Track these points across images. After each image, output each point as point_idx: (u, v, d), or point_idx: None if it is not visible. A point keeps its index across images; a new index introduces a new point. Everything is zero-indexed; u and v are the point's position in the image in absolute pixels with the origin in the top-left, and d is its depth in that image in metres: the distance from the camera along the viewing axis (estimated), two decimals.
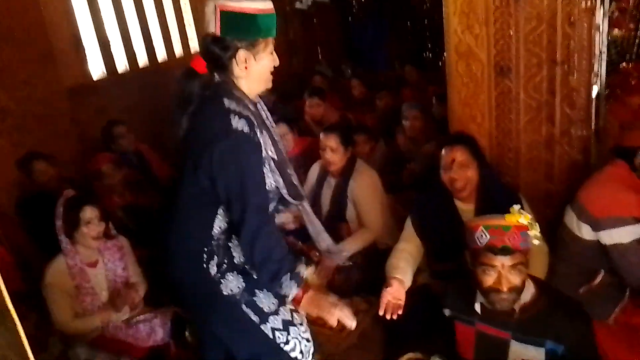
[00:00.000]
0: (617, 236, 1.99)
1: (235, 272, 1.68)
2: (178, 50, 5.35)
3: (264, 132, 1.64)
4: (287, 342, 1.73)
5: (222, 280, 1.65)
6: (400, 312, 1.88)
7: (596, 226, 2.04)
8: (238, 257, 1.68)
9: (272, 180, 1.64)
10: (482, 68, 2.48)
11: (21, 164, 3.23)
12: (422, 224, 2.34)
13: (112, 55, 4.59)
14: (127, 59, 4.74)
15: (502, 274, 1.64)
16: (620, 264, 2.01)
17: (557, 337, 1.68)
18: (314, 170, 3.06)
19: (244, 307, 1.67)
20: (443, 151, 2.28)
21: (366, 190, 2.80)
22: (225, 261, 1.66)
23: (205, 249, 1.62)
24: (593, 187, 2.13)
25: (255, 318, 1.68)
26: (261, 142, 1.58)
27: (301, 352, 1.77)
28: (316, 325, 2.56)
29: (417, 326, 2.14)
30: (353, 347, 2.48)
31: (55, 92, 3.80)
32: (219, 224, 1.63)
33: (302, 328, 1.80)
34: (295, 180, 1.76)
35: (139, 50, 4.92)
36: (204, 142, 1.53)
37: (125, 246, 2.55)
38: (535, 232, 1.68)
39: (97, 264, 2.44)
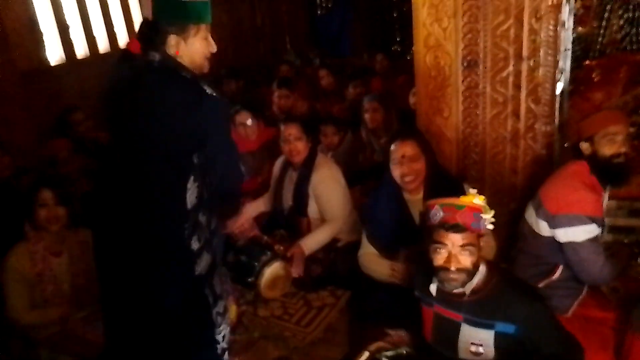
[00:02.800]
0: (572, 234, 2.02)
1: (207, 251, 1.72)
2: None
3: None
4: (220, 327, 1.82)
5: (197, 260, 1.69)
6: None
7: (552, 223, 2.07)
8: (207, 233, 1.72)
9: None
10: (450, 61, 2.48)
11: None
12: (372, 224, 2.42)
13: (70, 40, 4.40)
14: (87, 43, 4.55)
15: (452, 253, 1.69)
16: (574, 261, 2.05)
17: (506, 316, 1.71)
18: (278, 165, 3.01)
19: (206, 290, 1.74)
20: (393, 146, 2.32)
21: (327, 183, 2.76)
22: (203, 236, 1.70)
23: (185, 225, 1.65)
24: (552, 184, 2.16)
25: (211, 300, 1.75)
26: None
27: (224, 337, 1.87)
28: (281, 320, 2.57)
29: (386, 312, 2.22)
30: (319, 341, 2.46)
31: (6, 76, 3.61)
32: (191, 198, 1.65)
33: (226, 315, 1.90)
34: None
35: (99, 35, 4.74)
36: (178, 110, 1.59)
37: (89, 239, 2.45)
38: (488, 215, 1.73)
39: (61, 254, 2.37)
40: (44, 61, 4.07)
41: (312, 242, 2.70)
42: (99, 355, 2.14)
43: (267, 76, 5.08)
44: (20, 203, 2.36)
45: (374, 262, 2.41)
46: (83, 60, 4.46)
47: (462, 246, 1.68)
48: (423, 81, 2.59)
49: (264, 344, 2.41)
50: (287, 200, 2.87)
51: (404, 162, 2.26)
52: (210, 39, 1.68)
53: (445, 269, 1.70)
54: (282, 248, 2.57)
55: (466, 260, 1.69)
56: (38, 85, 3.86)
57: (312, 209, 2.80)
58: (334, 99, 4.64)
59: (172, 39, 1.62)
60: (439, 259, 1.71)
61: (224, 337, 1.86)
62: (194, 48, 1.64)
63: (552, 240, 2.10)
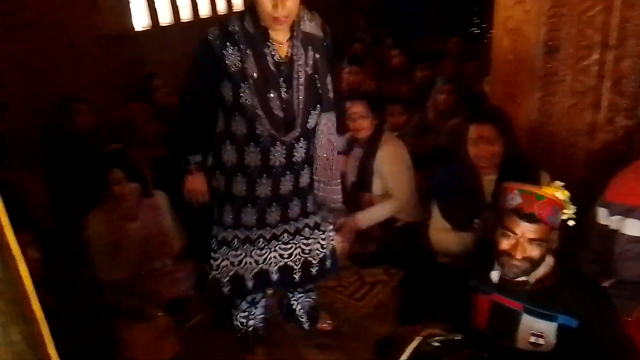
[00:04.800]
0: (626, 226, 1.93)
1: (220, 172, 1.92)
2: (221, 6, 5.32)
3: (249, 51, 1.76)
4: (216, 254, 2.00)
5: (213, 177, 1.95)
6: None
7: (609, 210, 1.98)
8: (226, 160, 1.89)
9: (247, 97, 1.77)
10: (529, 46, 2.39)
11: (64, 105, 3.27)
12: (446, 199, 2.38)
13: (155, 7, 4.58)
14: (172, 11, 4.73)
15: (519, 242, 1.64)
16: (618, 254, 1.96)
17: (570, 310, 1.66)
18: (342, 139, 3.03)
19: (215, 209, 1.97)
20: (471, 127, 2.27)
21: (393, 160, 2.76)
22: (215, 159, 1.93)
23: (211, 143, 1.92)
24: (620, 173, 2.06)
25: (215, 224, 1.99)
26: (229, 54, 1.74)
27: (217, 267, 2.01)
28: (334, 291, 2.63)
29: (430, 301, 2.18)
30: (369, 316, 2.51)
31: (94, 38, 3.82)
32: (220, 124, 1.87)
33: (234, 253, 2.00)
34: (276, 108, 1.80)
35: (182, 3, 4.91)
36: None
37: (163, 203, 2.60)
38: (569, 211, 1.66)
39: (136, 219, 2.50)
40: (130, 26, 4.26)
41: (367, 216, 2.72)
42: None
43: (338, 54, 5.09)
44: (94, 160, 2.50)
45: (447, 237, 2.38)
46: (166, 28, 4.63)
47: (532, 239, 1.63)
48: (498, 65, 2.52)
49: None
50: (351, 176, 2.90)
51: (479, 144, 2.22)
52: (274, 2, 1.66)
53: (509, 254, 1.66)
54: (339, 222, 2.61)
55: (533, 250, 1.64)
56: (122, 49, 4.06)
57: (376, 186, 2.82)
58: (403, 79, 4.59)
59: None
60: (505, 244, 1.67)
61: (218, 266, 2.01)
62: (258, 2, 1.69)
63: (606, 230, 2.01)
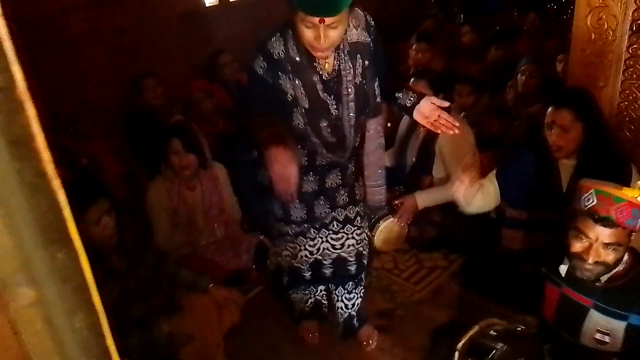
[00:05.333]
0: None
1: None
2: None
3: (298, 82, 1.70)
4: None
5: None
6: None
7: None
8: None
9: (299, 122, 1.76)
10: (616, 24, 2.20)
11: (134, 80, 3.42)
12: (510, 170, 2.27)
13: None
14: None
15: (592, 246, 1.52)
16: None
17: None
18: (405, 121, 2.97)
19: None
20: (549, 109, 2.13)
21: (456, 143, 2.65)
22: None
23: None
24: None
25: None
26: (284, 84, 1.69)
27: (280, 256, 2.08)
28: (391, 274, 2.62)
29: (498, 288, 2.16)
30: (426, 301, 2.48)
31: (167, 16, 3.94)
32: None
33: (291, 245, 2.07)
34: (327, 134, 1.80)
35: None
36: None
37: (221, 175, 2.67)
38: None
39: (195, 188, 2.58)
40: (200, 3, 4.35)
41: (427, 198, 2.66)
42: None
43: (408, 30, 4.94)
44: (159, 133, 2.57)
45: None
46: (234, 4, 4.68)
47: (607, 244, 1.51)
48: (580, 45, 2.34)
49: (371, 293, 2.49)
50: (411, 157, 2.84)
51: (554, 129, 2.08)
52: (316, 34, 1.56)
53: (581, 258, 1.55)
54: (399, 204, 2.58)
55: (608, 255, 1.53)
56: (193, 26, 4.16)
57: (437, 169, 2.75)
58: (474, 57, 4.40)
59: (291, 9, 1.57)
60: (577, 246, 1.55)
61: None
62: (300, 29, 1.58)
63: None
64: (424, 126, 2.74)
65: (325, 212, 1.98)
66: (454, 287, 2.53)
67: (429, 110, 1.76)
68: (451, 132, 1.77)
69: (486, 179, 2.30)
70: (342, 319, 2.27)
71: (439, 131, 1.79)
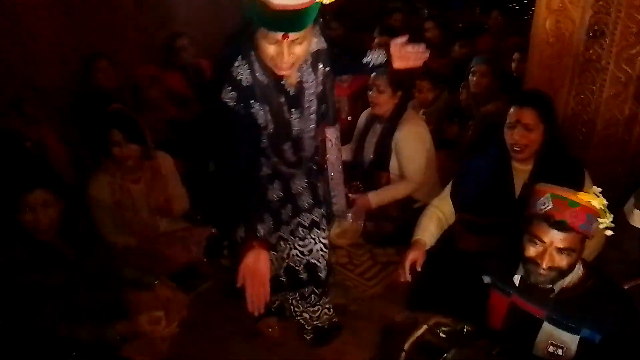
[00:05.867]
0: None
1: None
2: None
3: (266, 107, 1.66)
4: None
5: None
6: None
7: None
8: None
9: (265, 144, 1.77)
10: (573, 28, 2.25)
11: (85, 61, 3.27)
12: (466, 177, 2.24)
13: None
14: None
15: (546, 251, 1.53)
16: None
17: (595, 324, 1.57)
18: (363, 116, 2.95)
19: None
20: (511, 109, 2.10)
21: (411, 140, 2.66)
22: None
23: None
24: None
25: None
26: (258, 110, 1.65)
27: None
28: (345, 269, 2.61)
29: (443, 289, 2.08)
30: (378, 297, 2.48)
31: None
32: None
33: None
34: (289, 155, 1.82)
35: None
36: None
37: (167, 165, 2.58)
38: (606, 221, 1.53)
39: (140, 180, 2.48)
40: None
41: (381, 196, 2.66)
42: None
43: (370, 22, 4.91)
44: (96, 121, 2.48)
45: (434, 220, 2.22)
46: None
47: (562, 249, 1.52)
48: (538, 47, 2.38)
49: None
50: (369, 153, 2.83)
51: (517, 129, 2.05)
52: (279, 50, 1.50)
53: (535, 262, 1.55)
54: (353, 200, 2.56)
55: (562, 261, 1.53)
56: (151, 9, 3.98)
57: (394, 165, 2.74)
58: (437, 53, 4.41)
59: (255, 27, 1.51)
60: (532, 251, 1.56)
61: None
62: (261, 47, 1.52)
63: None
64: (380, 122, 2.75)
65: (289, 216, 1.95)
66: (407, 283, 2.53)
67: (405, 51, 1.82)
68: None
69: (441, 199, 2.26)
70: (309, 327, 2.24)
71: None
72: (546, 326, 1.65)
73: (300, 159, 1.85)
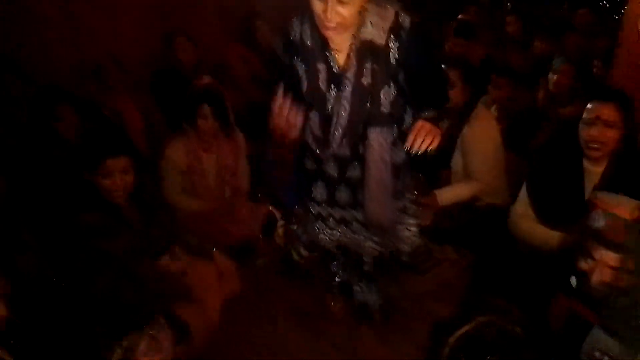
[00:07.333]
0: None
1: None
2: None
3: (304, 65, 1.72)
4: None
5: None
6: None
7: None
8: None
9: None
10: None
11: (166, 38, 3.41)
12: (537, 179, 2.15)
13: None
14: None
15: (598, 266, 1.45)
16: None
17: None
18: None
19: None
20: (590, 104, 1.98)
21: (480, 138, 2.54)
22: None
23: None
24: None
25: None
26: (298, 66, 1.73)
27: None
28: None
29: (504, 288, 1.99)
30: (431, 293, 2.42)
31: None
32: None
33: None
34: (316, 128, 1.81)
35: None
36: None
37: (240, 143, 2.70)
38: None
39: (213, 150, 2.60)
40: None
41: (449, 196, 2.57)
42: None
43: (450, 12, 4.77)
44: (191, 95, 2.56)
45: (531, 227, 2.15)
46: None
47: (614, 268, 1.42)
48: (627, 47, 2.23)
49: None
50: None
51: (596, 125, 1.94)
52: (323, 8, 1.53)
53: (586, 276, 1.48)
54: (416, 193, 2.50)
55: (614, 277, 1.44)
56: None
57: (456, 162, 2.64)
58: (519, 49, 4.21)
59: None
60: (583, 264, 1.48)
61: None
62: (312, 4, 1.57)
63: None
64: (449, 117, 2.64)
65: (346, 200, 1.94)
66: (462, 282, 2.46)
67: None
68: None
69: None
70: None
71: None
72: (596, 331, 1.56)
73: (326, 139, 1.81)
